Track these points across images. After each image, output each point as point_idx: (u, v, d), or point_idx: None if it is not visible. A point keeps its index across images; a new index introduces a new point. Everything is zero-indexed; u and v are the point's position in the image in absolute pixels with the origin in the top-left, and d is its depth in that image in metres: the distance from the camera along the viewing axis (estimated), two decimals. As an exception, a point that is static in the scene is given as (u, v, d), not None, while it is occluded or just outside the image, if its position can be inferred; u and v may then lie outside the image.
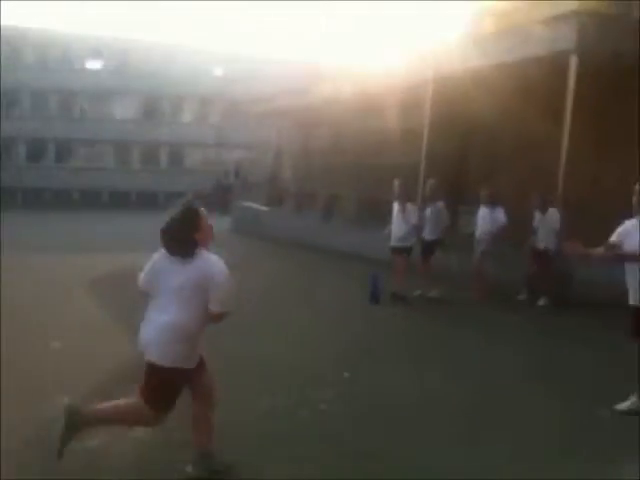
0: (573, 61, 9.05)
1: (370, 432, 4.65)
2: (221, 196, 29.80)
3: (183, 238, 3.67)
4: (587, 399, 5.48)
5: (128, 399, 3.80)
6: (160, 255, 3.81)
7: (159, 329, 3.67)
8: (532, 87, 10.74)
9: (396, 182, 9.82)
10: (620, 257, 5.36)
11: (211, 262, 3.70)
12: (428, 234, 10.23)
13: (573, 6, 10.03)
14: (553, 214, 9.75)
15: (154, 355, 3.66)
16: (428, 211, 10.33)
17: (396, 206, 9.83)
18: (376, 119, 15.08)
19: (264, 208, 21.29)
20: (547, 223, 9.77)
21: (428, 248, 10.23)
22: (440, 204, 10.29)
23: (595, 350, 7.18)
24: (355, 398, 5.39)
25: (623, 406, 5.35)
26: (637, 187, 5.25)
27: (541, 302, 9.77)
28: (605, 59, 9.50)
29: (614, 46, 9.45)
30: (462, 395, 5.53)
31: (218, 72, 37.66)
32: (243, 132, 32.32)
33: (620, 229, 5.36)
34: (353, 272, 12.05)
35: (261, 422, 4.73)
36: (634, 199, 5.24)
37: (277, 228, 18.86)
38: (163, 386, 3.68)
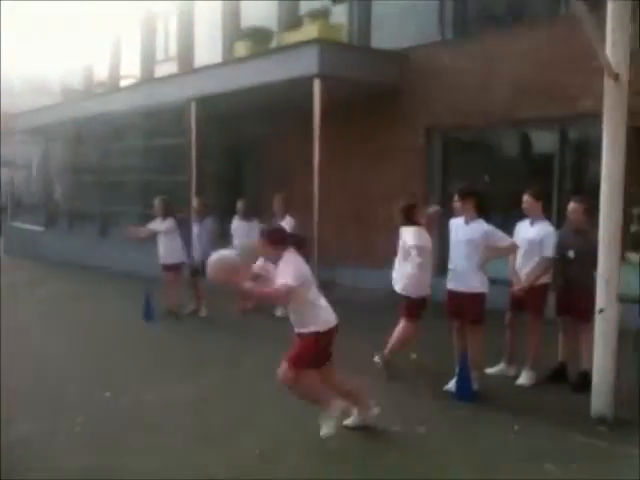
0: (316, 84, 9.92)
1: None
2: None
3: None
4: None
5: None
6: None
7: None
8: (285, 106, 11.56)
9: (156, 200, 9.79)
10: None
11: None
12: (197, 252, 10.03)
13: (315, 34, 11.08)
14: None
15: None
16: (195, 228, 10.28)
17: (160, 223, 9.81)
18: (144, 136, 15.14)
19: (38, 228, 20.26)
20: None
21: (197, 267, 9.86)
22: (209, 221, 10.29)
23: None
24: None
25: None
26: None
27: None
28: (345, 83, 10.56)
29: (354, 72, 10.55)
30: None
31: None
32: (10, 148, 30.08)
33: None
34: (127, 290, 12.01)
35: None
36: None
37: (51, 248, 18.12)
38: None
